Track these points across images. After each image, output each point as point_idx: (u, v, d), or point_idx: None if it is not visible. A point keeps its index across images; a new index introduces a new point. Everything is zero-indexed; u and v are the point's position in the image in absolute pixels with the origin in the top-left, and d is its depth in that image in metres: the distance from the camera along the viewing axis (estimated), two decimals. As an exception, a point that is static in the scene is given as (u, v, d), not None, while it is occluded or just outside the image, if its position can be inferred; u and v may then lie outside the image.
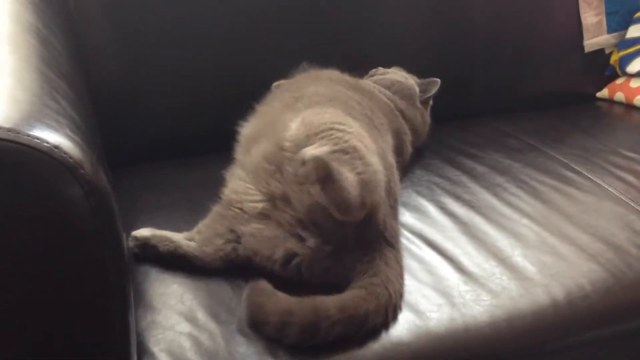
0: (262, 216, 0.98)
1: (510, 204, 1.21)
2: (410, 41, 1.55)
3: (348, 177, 0.89)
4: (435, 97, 1.40)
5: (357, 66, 1.37)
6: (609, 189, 1.27)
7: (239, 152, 1.12)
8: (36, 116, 0.63)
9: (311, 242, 0.94)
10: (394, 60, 1.52)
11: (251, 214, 0.99)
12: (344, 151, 0.93)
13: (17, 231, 0.62)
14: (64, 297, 0.65)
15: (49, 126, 0.62)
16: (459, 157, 1.38)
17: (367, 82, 1.33)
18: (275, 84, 1.33)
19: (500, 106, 1.66)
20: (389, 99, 1.31)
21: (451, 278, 1.01)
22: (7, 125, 0.59)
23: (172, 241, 1.00)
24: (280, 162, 0.98)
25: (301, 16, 1.44)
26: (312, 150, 0.91)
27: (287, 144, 0.98)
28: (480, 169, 1.34)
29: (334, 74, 1.30)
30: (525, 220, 1.16)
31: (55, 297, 0.65)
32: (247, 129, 1.14)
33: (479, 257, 1.06)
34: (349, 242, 0.95)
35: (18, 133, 0.59)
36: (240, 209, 1.00)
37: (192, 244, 1.00)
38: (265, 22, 1.42)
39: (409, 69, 1.45)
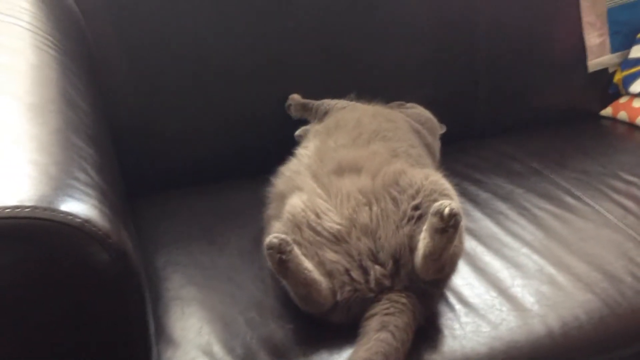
0: (336, 240, 1.01)
1: (511, 233, 1.26)
2: (414, 63, 1.60)
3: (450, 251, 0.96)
4: (440, 119, 1.47)
5: (365, 92, 1.42)
6: (608, 215, 1.31)
7: (319, 166, 1.13)
8: (68, 191, 0.69)
9: (374, 272, 0.98)
10: (398, 83, 1.57)
11: (325, 236, 1.01)
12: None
13: (50, 296, 0.69)
14: (93, 354, 0.72)
15: (79, 200, 0.69)
16: (463, 182, 1.42)
17: (414, 125, 1.36)
18: (339, 105, 1.39)
19: (504, 125, 1.70)
20: (419, 132, 1.35)
21: (453, 309, 1.06)
22: (43, 204, 0.66)
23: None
24: (376, 199, 1.03)
25: (314, 48, 1.50)
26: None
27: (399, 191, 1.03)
28: (483, 195, 1.38)
29: (401, 116, 1.37)
30: (525, 249, 1.21)
31: (86, 354, 0.72)
32: (342, 151, 1.16)
33: (481, 287, 1.12)
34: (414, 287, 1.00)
35: (54, 212, 0.66)
36: (313, 230, 1.02)
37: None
38: (280, 52, 1.47)
39: (413, 93, 1.50)
